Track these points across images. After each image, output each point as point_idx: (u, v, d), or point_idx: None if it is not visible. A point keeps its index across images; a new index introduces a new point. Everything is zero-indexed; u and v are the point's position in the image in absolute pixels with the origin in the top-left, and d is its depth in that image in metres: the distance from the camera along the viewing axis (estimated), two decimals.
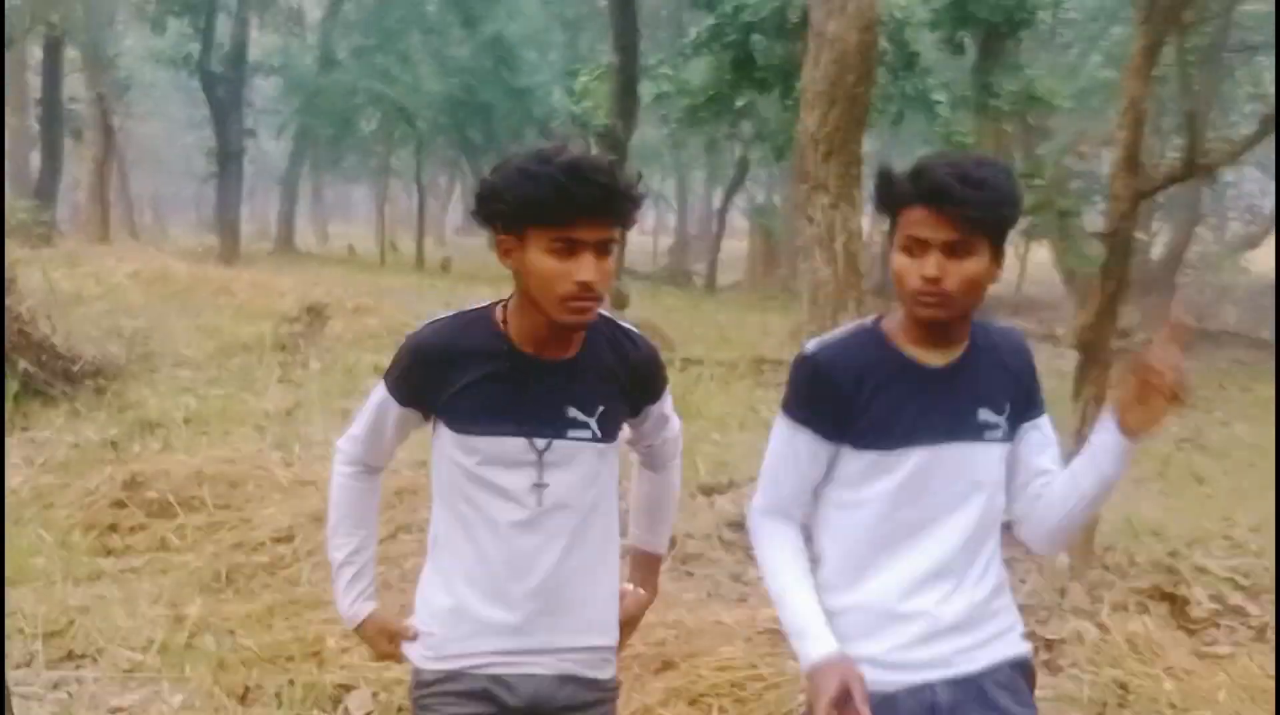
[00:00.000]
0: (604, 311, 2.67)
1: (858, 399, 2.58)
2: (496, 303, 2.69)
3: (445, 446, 2.68)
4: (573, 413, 2.64)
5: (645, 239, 54.82)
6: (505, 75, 32.17)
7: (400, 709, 4.79)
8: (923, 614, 2.59)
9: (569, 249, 2.45)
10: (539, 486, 2.64)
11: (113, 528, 7.09)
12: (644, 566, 3.11)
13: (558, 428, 2.63)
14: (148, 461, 8.17)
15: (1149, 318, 22.86)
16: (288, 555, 6.69)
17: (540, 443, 2.62)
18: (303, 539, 6.80)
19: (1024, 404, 2.66)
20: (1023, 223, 10.31)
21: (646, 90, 20.66)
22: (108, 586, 6.28)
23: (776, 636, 5.36)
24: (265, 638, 5.63)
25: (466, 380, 2.61)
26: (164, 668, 5.33)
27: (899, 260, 2.51)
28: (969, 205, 2.42)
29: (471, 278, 27.14)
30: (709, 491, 8.12)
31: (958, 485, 2.60)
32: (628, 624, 2.94)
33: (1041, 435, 2.71)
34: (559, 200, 2.41)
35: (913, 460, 2.58)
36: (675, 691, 4.89)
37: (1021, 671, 2.66)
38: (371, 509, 2.93)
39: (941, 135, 16.56)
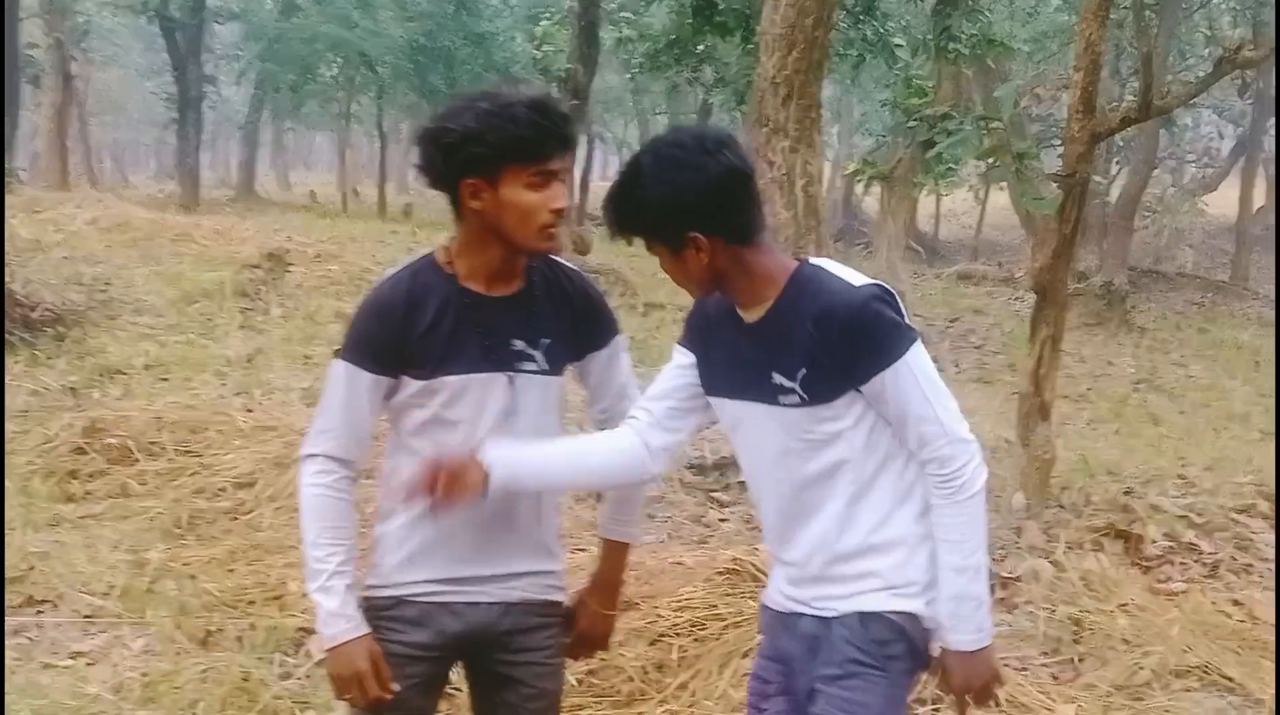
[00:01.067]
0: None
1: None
2: (431, 252, 2.73)
3: (403, 400, 2.69)
4: (520, 346, 2.70)
5: (607, 185, 54.69)
6: (466, 20, 31.84)
7: None
8: (787, 563, 2.73)
9: (544, 181, 2.57)
10: (499, 417, 2.68)
11: (73, 474, 7.03)
12: (611, 557, 3.05)
13: (510, 361, 2.68)
14: (108, 408, 8.12)
15: (1107, 260, 22.98)
16: (249, 500, 6.67)
17: (496, 376, 2.67)
18: (264, 484, 6.78)
19: (831, 371, 2.56)
20: (980, 166, 10.28)
21: (607, 35, 20.48)
22: (68, 533, 6.25)
23: (737, 577, 5.39)
24: (227, 582, 5.62)
25: (425, 325, 2.63)
26: (125, 613, 5.32)
27: None
28: (608, 225, 2.64)
29: (433, 224, 26.93)
30: None
31: (766, 445, 2.67)
32: (584, 643, 3.02)
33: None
34: (539, 135, 2.54)
35: (726, 412, 2.72)
36: (636, 632, 4.90)
37: (878, 626, 2.62)
38: (351, 515, 2.74)
39: (901, 79, 16.51)
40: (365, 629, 2.68)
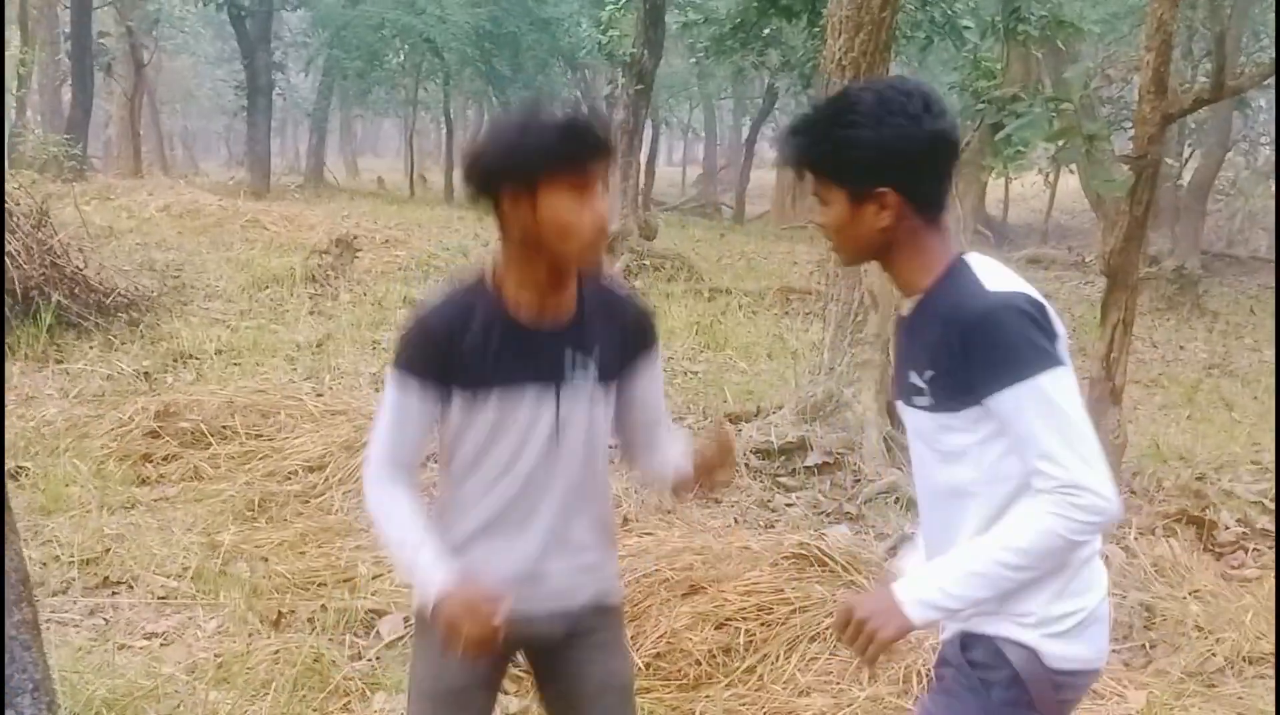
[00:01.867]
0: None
1: None
2: (480, 274, 2.71)
3: (455, 414, 2.68)
4: (571, 355, 2.68)
5: (674, 170, 54.64)
6: (531, 6, 31.92)
7: None
8: None
9: (585, 190, 2.53)
10: (552, 430, 2.67)
11: (146, 458, 7.13)
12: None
13: (560, 373, 2.68)
14: (180, 392, 8.22)
15: (1179, 244, 22.68)
16: (319, 483, 6.73)
17: (547, 386, 2.67)
18: (334, 467, 6.84)
19: (953, 379, 2.41)
20: (1050, 148, 10.20)
21: (673, 19, 20.46)
22: (142, 515, 6.33)
23: (804, 562, 5.39)
24: (298, 564, 5.68)
25: (471, 343, 2.62)
26: (198, 594, 5.39)
27: None
28: (784, 156, 2.52)
29: None
30: (736, 420, 8.11)
31: (913, 448, 2.62)
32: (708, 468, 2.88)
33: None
34: (577, 142, 2.50)
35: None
36: (702, 616, 4.91)
37: (981, 648, 2.50)
38: (415, 505, 2.70)
39: (969, 61, 16.36)
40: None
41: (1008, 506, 2.39)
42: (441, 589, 2.56)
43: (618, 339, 2.75)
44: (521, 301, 2.64)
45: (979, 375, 2.31)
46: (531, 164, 2.50)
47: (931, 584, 2.41)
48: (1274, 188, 25.43)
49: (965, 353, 2.32)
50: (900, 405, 2.60)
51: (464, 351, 2.61)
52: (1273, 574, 6.00)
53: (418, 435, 2.70)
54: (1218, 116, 22.59)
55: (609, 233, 2.64)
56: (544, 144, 2.48)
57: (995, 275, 2.39)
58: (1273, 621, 5.36)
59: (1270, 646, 5.15)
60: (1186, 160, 27.35)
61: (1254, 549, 6.41)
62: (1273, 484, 7.24)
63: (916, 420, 2.52)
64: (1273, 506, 6.88)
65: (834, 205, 2.45)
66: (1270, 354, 15.54)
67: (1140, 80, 6.87)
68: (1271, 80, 9.51)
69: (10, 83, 22.71)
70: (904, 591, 2.42)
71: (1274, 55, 7.90)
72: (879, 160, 2.36)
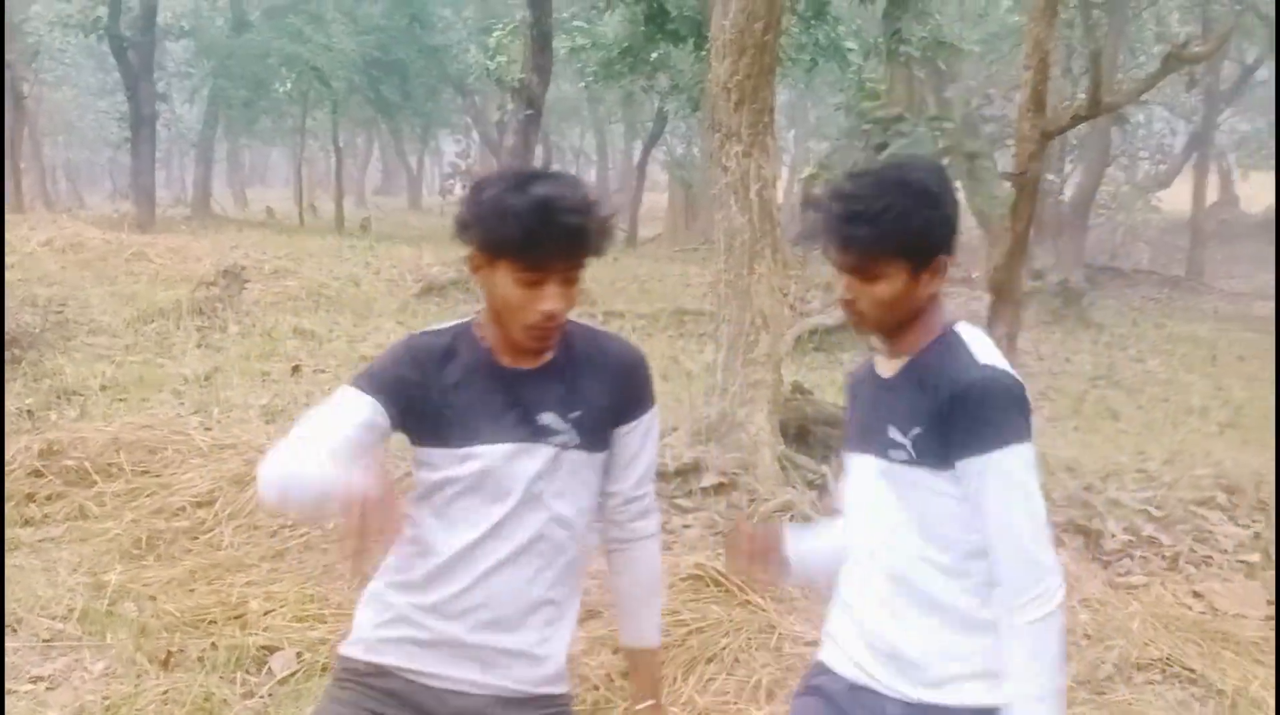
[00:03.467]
0: (583, 322, 2.68)
1: None
2: (471, 319, 2.64)
3: (427, 470, 2.59)
4: (549, 419, 2.57)
5: None
6: (419, 33, 31.82)
7: (324, 668, 4.76)
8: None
9: (539, 283, 2.44)
10: (526, 492, 2.55)
11: (30, 497, 6.96)
12: (640, 665, 2.87)
13: (539, 435, 2.56)
14: (64, 430, 8.03)
15: (1062, 258, 23.13)
16: (208, 519, 6.62)
17: (523, 448, 2.56)
18: (223, 502, 6.73)
19: (938, 438, 2.52)
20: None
21: (561, 44, 20.51)
22: (26, 557, 6.18)
23: (700, 583, 5.40)
24: (187, 602, 5.58)
25: (451, 382, 2.56)
26: (85, 635, 5.27)
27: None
28: (855, 242, 2.49)
29: (390, 237, 26.93)
30: None
31: (864, 497, 2.70)
32: None
33: None
34: (527, 242, 2.39)
35: (848, 466, 2.74)
36: (599, 640, 4.89)
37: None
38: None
39: (854, 83, 16.60)
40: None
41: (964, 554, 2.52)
42: (354, 487, 2.23)
43: (603, 397, 2.62)
44: (501, 351, 2.58)
45: (957, 437, 2.46)
46: (490, 241, 2.43)
47: None
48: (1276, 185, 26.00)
49: (949, 417, 2.46)
50: (861, 456, 2.66)
51: (441, 388, 2.55)
52: (1158, 581, 6.13)
53: (345, 441, 2.48)
54: (1097, 132, 23.06)
55: (561, 322, 2.51)
56: (501, 233, 2.40)
57: (984, 348, 2.54)
58: (1159, 628, 5.47)
59: (1158, 653, 5.25)
60: (1068, 176, 27.96)
61: (1140, 556, 6.53)
62: (1156, 492, 7.40)
63: (891, 472, 2.57)
64: (1159, 515, 7.02)
65: (891, 279, 2.51)
66: (1154, 363, 15.92)
67: (1020, 99, 7.01)
68: (1147, 96, 9.74)
69: None
70: None
71: (1154, 72, 8.09)
72: (950, 231, 2.54)
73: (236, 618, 5.39)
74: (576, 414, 2.58)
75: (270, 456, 2.47)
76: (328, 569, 5.92)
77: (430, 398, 2.55)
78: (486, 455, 2.54)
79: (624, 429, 2.66)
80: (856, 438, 2.68)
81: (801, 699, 2.76)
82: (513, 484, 2.55)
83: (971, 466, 2.44)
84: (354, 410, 2.53)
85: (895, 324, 2.57)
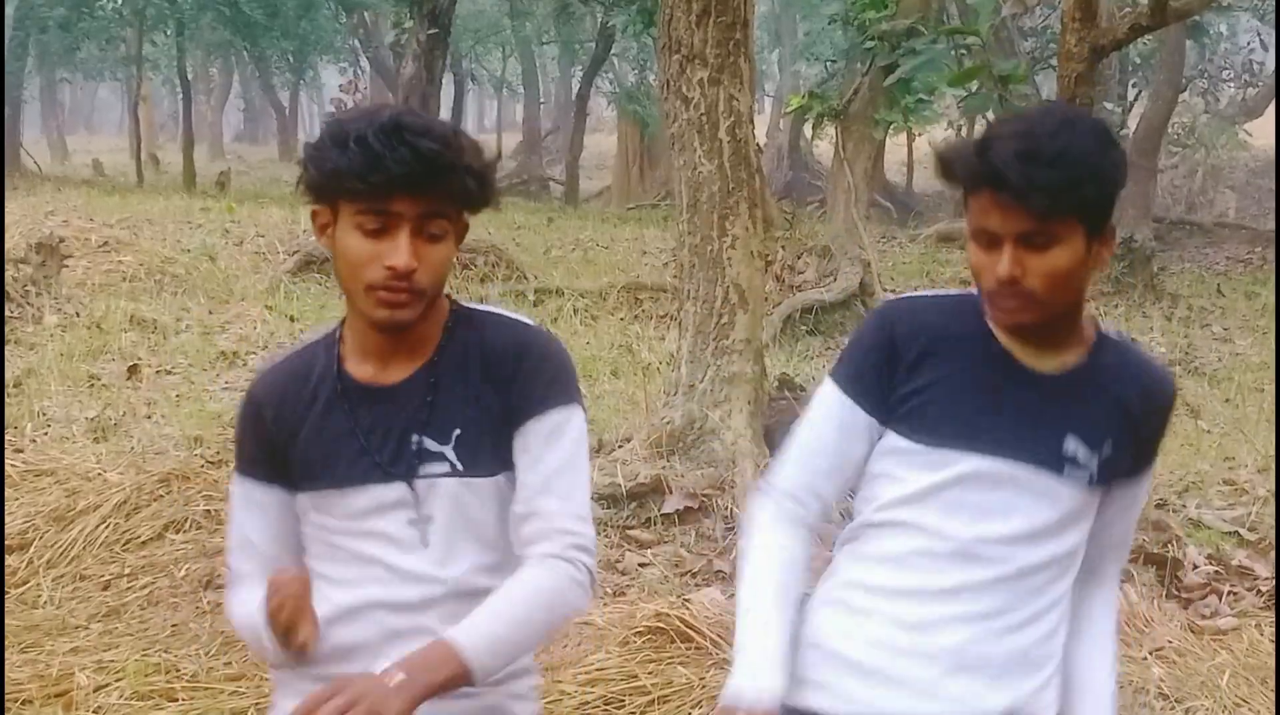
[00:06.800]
0: (473, 304, 2.70)
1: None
2: (334, 325, 2.70)
3: (307, 513, 2.68)
4: (421, 442, 2.61)
5: (487, 138, 54.50)
6: None
7: None
8: None
9: (381, 227, 2.45)
10: (408, 537, 2.61)
11: None
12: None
13: (411, 465, 2.60)
14: None
15: (1126, 211, 23.24)
16: (20, 568, 6.57)
17: (392, 487, 2.60)
18: (40, 546, 6.68)
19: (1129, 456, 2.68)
20: (959, 94, 10.37)
21: None
22: None
23: (662, 637, 5.39)
24: None
25: (300, 423, 2.62)
26: None
27: (972, 252, 2.56)
28: (1039, 191, 2.42)
29: (256, 197, 26.79)
30: None
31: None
32: None
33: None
34: (366, 167, 2.40)
35: (965, 466, 2.64)
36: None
37: None
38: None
39: None
40: None
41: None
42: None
43: (490, 402, 2.63)
44: (363, 367, 2.62)
45: (1146, 454, 2.71)
46: (325, 177, 2.46)
47: None
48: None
49: (1145, 434, 2.67)
50: (1014, 467, 2.63)
51: (290, 434, 2.61)
52: (1253, 624, 6.15)
53: (268, 541, 2.70)
54: (1167, 48, 23.17)
55: (423, 288, 2.50)
56: (341, 158, 2.41)
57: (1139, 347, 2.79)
58: (1255, 685, 5.49)
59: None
60: (1131, 105, 28.01)
61: (1229, 592, 6.55)
62: (1249, 509, 7.43)
63: (1053, 492, 2.61)
64: (1252, 538, 7.06)
65: (1068, 245, 2.50)
66: (1244, 344, 15.97)
67: (1064, 5, 6.99)
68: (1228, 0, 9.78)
69: None
70: None
71: None
72: (1118, 192, 2.59)
73: (59, 695, 5.36)
74: (457, 432, 2.61)
75: (226, 602, 2.74)
76: (177, 630, 5.89)
77: (280, 450, 2.65)
78: (343, 499, 2.61)
79: (519, 431, 2.63)
80: (984, 436, 2.62)
81: None
82: (388, 530, 2.61)
83: (1144, 483, 2.75)
84: (257, 506, 2.70)
85: (1064, 310, 2.58)
